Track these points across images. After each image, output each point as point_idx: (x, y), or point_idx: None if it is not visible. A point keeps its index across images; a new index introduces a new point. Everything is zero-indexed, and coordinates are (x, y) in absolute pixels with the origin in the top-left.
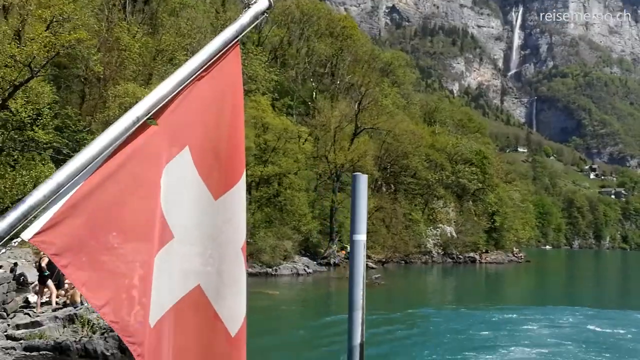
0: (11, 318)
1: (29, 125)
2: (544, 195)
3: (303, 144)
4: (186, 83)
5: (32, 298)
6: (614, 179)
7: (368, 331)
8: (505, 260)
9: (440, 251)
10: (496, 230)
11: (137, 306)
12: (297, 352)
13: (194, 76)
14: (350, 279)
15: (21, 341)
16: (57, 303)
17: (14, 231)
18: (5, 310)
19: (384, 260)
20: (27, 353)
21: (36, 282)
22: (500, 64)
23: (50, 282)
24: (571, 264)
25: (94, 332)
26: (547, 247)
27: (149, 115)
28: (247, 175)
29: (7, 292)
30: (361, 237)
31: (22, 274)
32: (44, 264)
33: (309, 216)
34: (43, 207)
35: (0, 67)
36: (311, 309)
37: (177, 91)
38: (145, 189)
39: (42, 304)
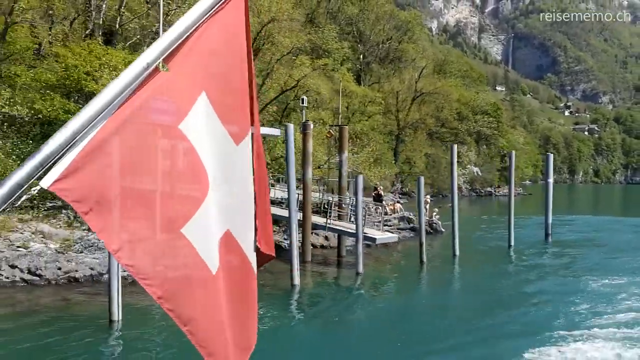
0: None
1: None
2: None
3: (375, 106)
4: (195, 27)
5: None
6: (587, 115)
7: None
8: (515, 193)
9: (468, 187)
10: (506, 169)
11: (154, 251)
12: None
13: (203, 18)
14: (546, 198)
15: (392, 226)
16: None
17: (32, 179)
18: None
19: (429, 195)
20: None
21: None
22: (477, 0)
23: (383, 202)
24: (567, 195)
25: (411, 221)
26: (527, 182)
27: (160, 60)
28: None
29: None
30: (550, 179)
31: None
32: (381, 192)
33: (392, 162)
34: (59, 155)
35: None
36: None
37: (186, 35)
38: (164, 135)
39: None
